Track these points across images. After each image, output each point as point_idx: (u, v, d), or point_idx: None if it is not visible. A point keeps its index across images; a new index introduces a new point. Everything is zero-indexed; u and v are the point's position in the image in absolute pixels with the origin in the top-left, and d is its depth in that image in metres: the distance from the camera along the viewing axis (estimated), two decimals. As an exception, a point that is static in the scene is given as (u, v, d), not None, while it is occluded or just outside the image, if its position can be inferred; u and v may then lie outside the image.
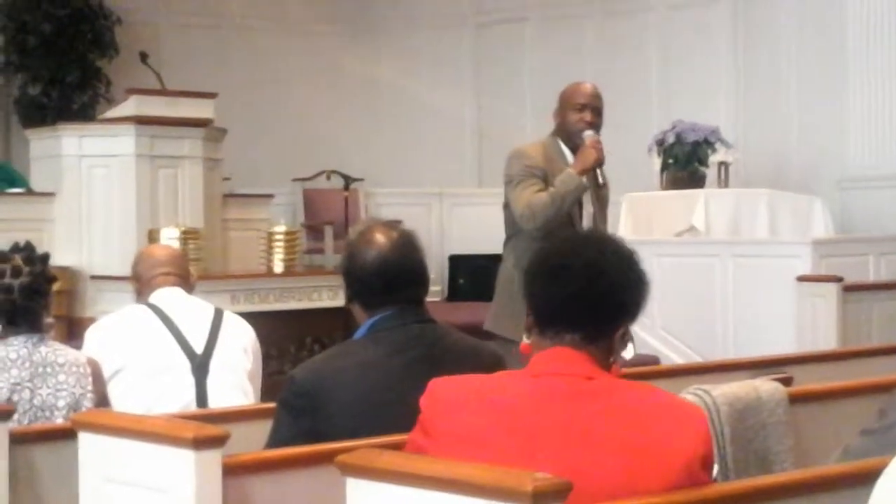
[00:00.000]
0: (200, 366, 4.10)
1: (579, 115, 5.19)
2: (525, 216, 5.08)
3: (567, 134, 5.22)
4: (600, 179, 5.26)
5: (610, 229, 5.87)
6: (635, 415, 2.33)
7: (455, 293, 10.94)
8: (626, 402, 2.36)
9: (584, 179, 5.13)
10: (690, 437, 2.31)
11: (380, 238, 3.17)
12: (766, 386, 3.33)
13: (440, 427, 2.41)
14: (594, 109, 5.22)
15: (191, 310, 4.27)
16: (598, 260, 2.46)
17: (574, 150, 5.18)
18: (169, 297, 4.27)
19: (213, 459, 2.59)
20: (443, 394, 2.46)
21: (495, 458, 2.27)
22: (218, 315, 4.27)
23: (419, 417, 2.47)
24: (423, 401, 2.46)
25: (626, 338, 2.50)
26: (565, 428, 2.31)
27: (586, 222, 5.25)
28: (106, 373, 3.97)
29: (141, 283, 4.39)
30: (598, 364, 2.43)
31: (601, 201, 5.36)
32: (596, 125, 5.21)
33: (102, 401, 3.82)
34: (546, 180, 5.10)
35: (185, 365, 4.09)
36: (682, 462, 2.29)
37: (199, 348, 4.13)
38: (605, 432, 2.30)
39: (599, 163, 5.15)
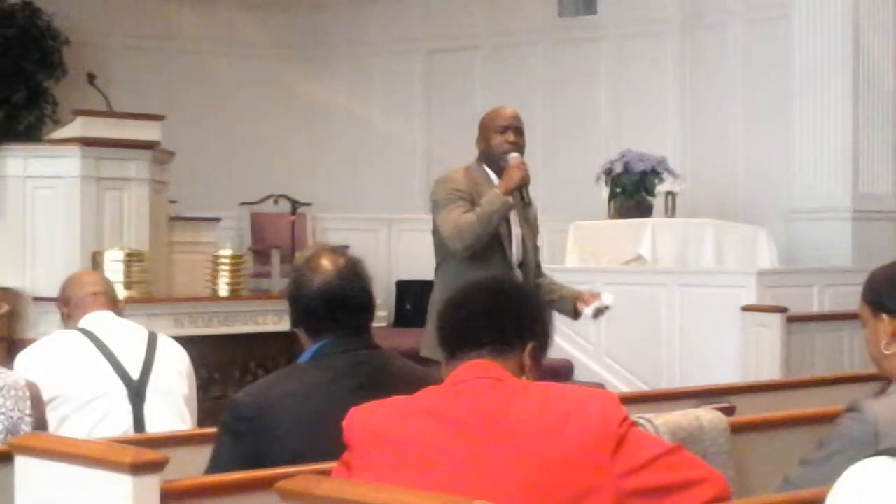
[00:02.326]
0: (137, 392, 4.02)
1: (502, 136, 5.23)
2: (453, 237, 5.10)
3: (491, 158, 5.26)
4: (525, 199, 5.28)
5: (544, 256, 5.89)
6: (545, 403, 2.42)
7: (402, 319, 10.93)
8: (537, 394, 2.45)
9: (510, 199, 5.16)
10: (599, 408, 2.40)
11: (326, 264, 3.16)
12: (708, 415, 3.34)
13: (360, 436, 2.47)
14: (516, 130, 5.27)
15: (125, 334, 4.19)
16: (497, 283, 2.72)
17: (499, 173, 5.22)
18: (101, 320, 4.19)
19: (151, 484, 2.56)
20: (361, 411, 2.52)
21: (415, 454, 2.37)
22: (152, 339, 4.20)
23: (344, 439, 2.51)
24: (345, 423, 2.52)
25: (539, 357, 2.63)
26: (480, 419, 2.40)
27: (515, 245, 5.26)
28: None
29: (70, 305, 4.29)
30: (509, 374, 2.54)
31: (530, 224, 5.37)
32: (519, 146, 5.25)
33: (41, 425, 3.75)
34: (473, 203, 5.13)
35: (122, 391, 4.02)
36: (592, 429, 2.35)
37: (134, 374, 4.06)
38: (517, 421, 2.38)
39: (524, 182, 5.19)
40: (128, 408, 4.00)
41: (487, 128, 5.31)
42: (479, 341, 2.56)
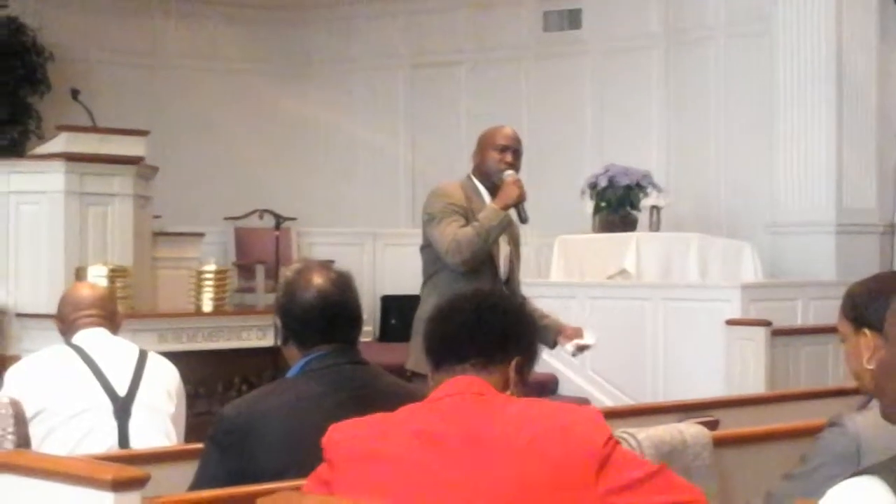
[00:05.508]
0: (123, 408, 4.02)
1: (500, 155, 5.26)
2: (451, 250, 5.10)
3: (485, 174, 5.28)
4: (523, 216, 5.29)
5: (530, 270, 5.90)
6: (528, 419, 2.40)
7: (386, 334, 10.92)
8: (520, 410, 2.44)
9: (508, 214, 5.18)
10: (585, 426, 2.39)
11: (320, 277, 3.16)
12: (691, 429, 3.34)
13: (340, 453, 2.45)
14: (514, 152, 5.30)
15: (115, 351, 4.19)
16: (485, 296, 2.70)
17: (491, 189, 5.25)
18: (92, 337, 4.20)
19: (133, 501, 2.54)
20: (341, 427, 2.51)
21: (396, 472, 2.35)
22: (142, 356, 4.20)
23: (323, 455, 2.49)
24: (325, 440, 2.50)
25: (525, 372, 2.62)
26: (462, 435, 2.38)
27: (503, 262, 5.28)
28: (27, 414, 3.89)
29: (66, 321, 4.31)
30: (492, 388, 2.53)
31: (515, 243, 5.39)
32: (515, 167, 5.27)
33: (23, 442, 3.74)
34: (467, 218, 5.14)
35: (108, 407, 4.01)
36: (576, 448, 2.34)
37: (121, 390, 4.06)
38: (500, 437, 2.37)
39: (521, 199, 5.20)
40: (113, 424, 4.00)
41: (486, 143, 5.33)
42: (463, 354, 2.56)
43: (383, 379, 3.20)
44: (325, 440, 2.50)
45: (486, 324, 2.59)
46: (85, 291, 4.47)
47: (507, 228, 5.33)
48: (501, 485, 2.32)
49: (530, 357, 2.65)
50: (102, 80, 11.80)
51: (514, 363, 2.58)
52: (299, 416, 2.95)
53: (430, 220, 5.22)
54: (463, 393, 2.49)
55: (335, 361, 3.09)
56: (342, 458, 2.45)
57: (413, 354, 5.23)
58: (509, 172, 5.22)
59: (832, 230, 9.72)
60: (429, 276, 5.30)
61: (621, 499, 2.33)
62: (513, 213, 5.32)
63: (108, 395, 4.03)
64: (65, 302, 4.39)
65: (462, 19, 12.61)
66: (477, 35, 12.54)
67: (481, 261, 5.15)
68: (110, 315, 4.35)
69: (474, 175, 5.34)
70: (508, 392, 2.55)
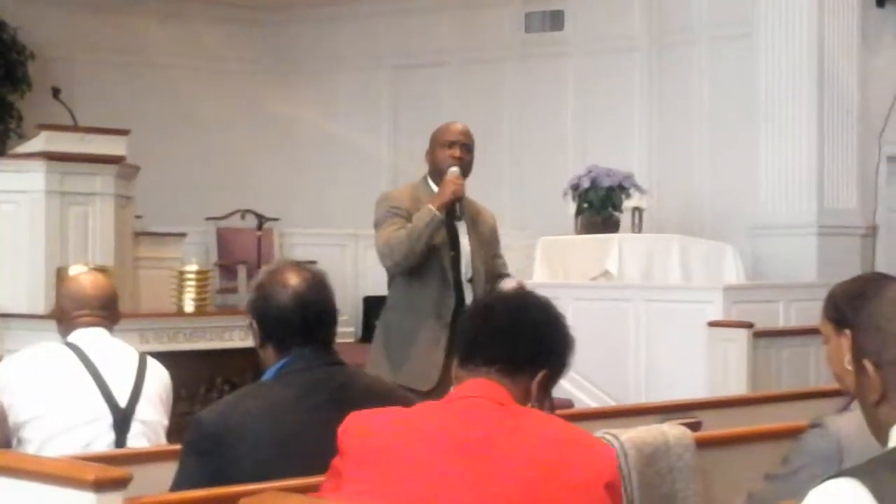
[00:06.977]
0: (122, 420, 3.85)
1: (448, 151, 5.23)
2: (383, 253, 5.12)
3: (437, 173, 5.26)
4: (457, 214, 5.24)
5: (515, 270, 5.86)
6: (543, 437, 2.39)
7: (369, 334, 10.90)
8: (536, 426, 2.42)
9: (439, 214, 5.11)
10: (596, 462, 2.38)
11: (294, 277, 3.14)
12: (673, 430, 3.34)
13: (355, 445, 2.44)
14: (463, 146, 5.27)
15: (115, 355, 4.00)
16: (520, 302, 2.64)
17: None
18: (91, 338, 3.99)
19: (115, 502, 2.54)
20: (359, 418, 2.50)
21: (407, 471, 2.34)
22: (142, 363, 4.02)
23: (338, 445, 2.48)
24: (341, 429, 2.49)
25: (549, 386, 2.59)
26: (476, 441, 2.37)
27: (464, 260, 5.24)
28: (21, 417, 3.77)
29: (64, 317, 4.07)
30: (513, 398, 2.49)
31: (481, 237, 5.33)
32: (465, 161, 5.25)
33: (5, 443, 3.69)
34: (411, 220, 5.13)
35: (108, 419, 3.84)
36: (583, 482, 2.33)
37: (122, 401, 3.88)
38: (513, 449, 2.35)
39: (456, 197, 5.16)
40: (112, 437, 3.83)
41: (435, 142, 5.32)
42: (490, 358, 2.52)
43: (361, 379, 3.19)
44: (340, 430, 2.48)
45: (520, 332, 2.56)
46: (91, 288, 4.14)
47: (473, 224, 5.30)
48: (504, 497, 2.30)
49: (558, 371, 2.61)
50: (84, 79, 11.77)
51: (539, 376, 2.55)
52: (277, 418, 2.94)
53: (375, 225, 5.22)
54: (483, 397, 2.46)
55: (311, 363, 3.08)
56: (352, 450, 2.44)
57: (369, 358, 5.22)
58: (452, 170, 5.19)
59: (814, 232, 9.76)
60: (388, 282, 5.32)
61: None
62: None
63: (108, 406, 3.85)
64: (68, 295, 4.12)
65: (445, 21, 12.62)
66: (460, 36, 12.55)
67: (428, 263, 5.12)
68: (112, 315, 4.14)
69: (429, 175, 5.33)
70: (529, 405, 2.53)
